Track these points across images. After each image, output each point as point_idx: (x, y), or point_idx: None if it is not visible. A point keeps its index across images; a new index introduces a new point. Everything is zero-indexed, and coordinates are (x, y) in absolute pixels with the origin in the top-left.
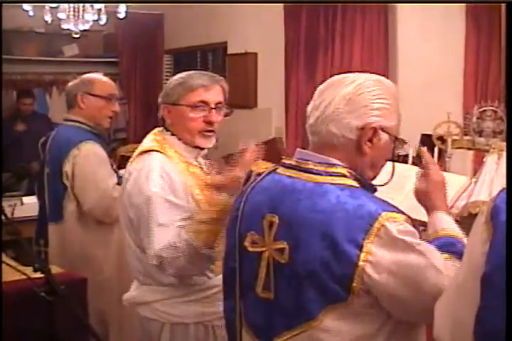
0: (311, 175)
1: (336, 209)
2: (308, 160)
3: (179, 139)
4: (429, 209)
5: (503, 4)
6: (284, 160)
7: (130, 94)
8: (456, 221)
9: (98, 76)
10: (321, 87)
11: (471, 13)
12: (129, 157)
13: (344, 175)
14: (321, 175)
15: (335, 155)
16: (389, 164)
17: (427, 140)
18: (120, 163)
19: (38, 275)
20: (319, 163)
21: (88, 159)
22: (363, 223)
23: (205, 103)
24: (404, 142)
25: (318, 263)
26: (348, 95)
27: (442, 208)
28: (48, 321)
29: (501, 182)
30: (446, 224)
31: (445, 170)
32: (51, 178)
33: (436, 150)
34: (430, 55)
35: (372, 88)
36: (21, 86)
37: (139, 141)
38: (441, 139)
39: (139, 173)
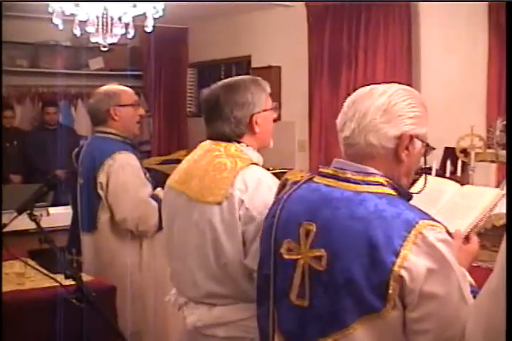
0: (349, 184)
1: (373, 216)
2: (345, 170)
3: (254, 149)
4: None
5: None
6: (320, 169)
7: (154, 107)
8: (480, 233)
9: (117, 87)
10: (351, 98)
11: (494, 26)
12: (152, 169)
13: (382, 184)
14: (359, 184)
15: (372, 165)
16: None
17: (450, 153)
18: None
19: (69, 282)
20: (357, 172)
21: (123, 169)
22: (401, 230)
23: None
24: (433, 148)
25: (356, 271)
26: (383, 105)
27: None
28: (78, 327)
29: None
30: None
31: (468, 184)
32: (85, 189)
33: (459, 163)
34: (453, 68)
35: (405, 97)
36: (47, 98)
37: (163, 154)
38: (465, 152)
39: (258, 187)
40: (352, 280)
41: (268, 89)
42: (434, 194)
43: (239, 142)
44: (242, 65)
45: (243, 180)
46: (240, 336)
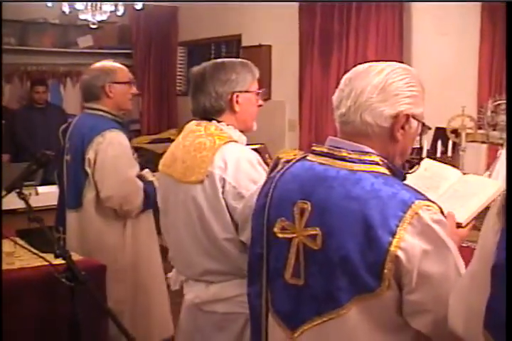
0: (345, 163)
1: (370, 196)
2: (341, 148)
3: (236, 128)
4: None
5: None
6: (314, 148)
7: (144, 86)
8: None
9: (114, 64)
10: (348, 75)
11: (486, 8)
12: (142, 148)
13: (377, 163)
14: (355, 162)
15: (367, 143)
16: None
17: (441, 133)
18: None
19: (59, 261)
20: (353, 150)
21: (112, 147)
22: (397, 210)
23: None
24: (428, 128)
25: (351, 250)
26: (380, 84)
27: None
28: (68, 306)
29: None
30: None
31: (459, 165)
32: (72, 165)
33: (450, 143)
34: (445, 49)
35: (402, 76)
36: (36, 77)
37: (153, 133)
38: (456, 133)
39: (239, 163)
40: (347, 259)
41: (256, 74)
42: (437, 179)
43: (219, 121)
44: (233, 43)
45: (222, 157)
46: (238, 311)
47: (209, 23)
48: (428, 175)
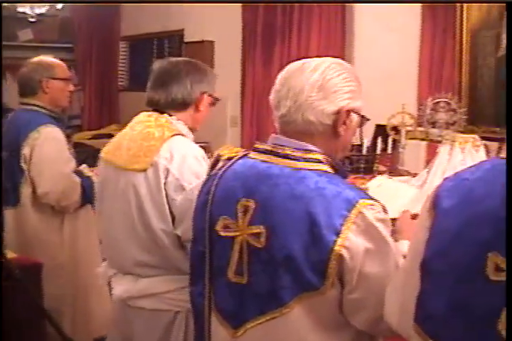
0: (289, 161)
1: (314, 194)
2: (284, 146)
3: (185, 124)
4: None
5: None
6: (257, 145)
7: (85, 81)
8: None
9: (53, 59)
10: (282, 75)
11: (427, 5)
12: (82, 144)
13: (320, 161)
14: (298, 160)
15: (310, 141)
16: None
17: (381, 130)
18: (75, 149)
19: None
20: (296, 148)
21: (48, 142)
22: (342, 209)
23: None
24: (367, 119)
25: (295, 248)
26: (318, 82)
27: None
28: (2, 305)
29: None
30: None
31: (398, 161)
32: (8, 161)
33: (390, 140)
34: (385, 45)
35: (339, 72)
36: None
37: (94, 128)
38: (396, 130)
39: (185, 157)
40: (291, 257)
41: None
42: (391, 198)
43: (171, 115)
44: (175, 39)
45: (169, 149)
46: (165, 309)
47: (151, 18)
48: (380, 192)
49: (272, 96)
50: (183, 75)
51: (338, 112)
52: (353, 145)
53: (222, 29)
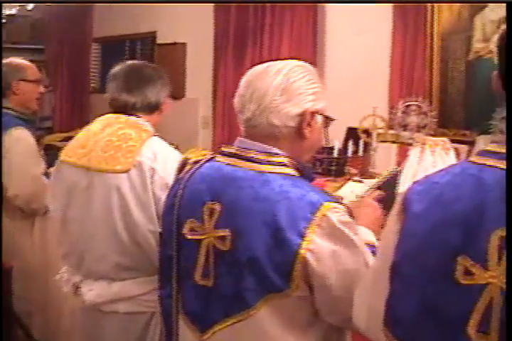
0: (253, 164)
1: (279, 197)
2: (249, 149)
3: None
4: None
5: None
6: (223, 148)
7: (56, 82)
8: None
9: (23, 61)
10: (246, 78)
11: (398, 8)
12: (53, 146)
13: (285, 165)
14: (263, 163)
15: (275, 144)
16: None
17: (352, 133)
18: (45, 151)
19: None
20: (261, 151)
21: (17, 145)
22: (306, 212)
23: None
24: (332, 119)
25: (260, 251)
26: (282, 84)
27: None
28: None
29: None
30: (365, 236)
31: (370, 164)
32: None
33: (361, 143)
34: (358, 49)
35: (302, 74)
36: None
37: (65, 130)
38: (367, 132)
39: (167, 156)
40: (256, 260)
41: None
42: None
43: (137, 117)
44: (148, 41)
45: (151, 148)
46: (140, 311)
47: (124, 19)
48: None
49: (236, 100)
50: (155, 79)
51: (302, 114)
52: (324, 148)
53: (194, 31)
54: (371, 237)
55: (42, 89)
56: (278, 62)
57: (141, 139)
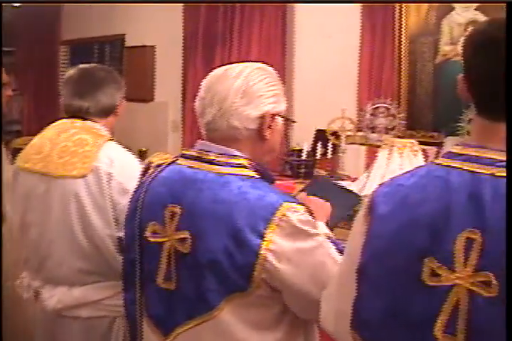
0: (213, 166)
1: (237, 199)
2: (209, 151)
3: (107, 130)
4: None
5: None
6: (184, 151)
7: (25, 85)
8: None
9: None
10: (206, 82)
11: (366, 11)
12: (21, 150)
13: (244, 166)
14: (223, 166)
15: (236, 147)
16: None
17: (321, 135)
18: (14, 155)
19: None
20: (221, 154)
21: None
22: (265, 213)
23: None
24: (292, 121)
25: (220, 253)
26: (242, 87)
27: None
28: None
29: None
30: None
31: (339, 166)
32: None
33: (330, 145)
34: (326, 52)
35: (262, 76)
36: None
37: (34, 134)
38: (335, 135)
39: (124, 161)
40: (216, 261)
41: None
42: None
43: (94, 122)
44: (117, 43)
45: (107, 153)
46: (102, 315)
47: (93, 22)
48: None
49: (196, 104)
50: (107, 82)
51: (263, 117)
52: (293, 151)
53: (163, 34)
54: (327, 230)
55: (10, 92)
56: (237, 64)
57: (97, 144)
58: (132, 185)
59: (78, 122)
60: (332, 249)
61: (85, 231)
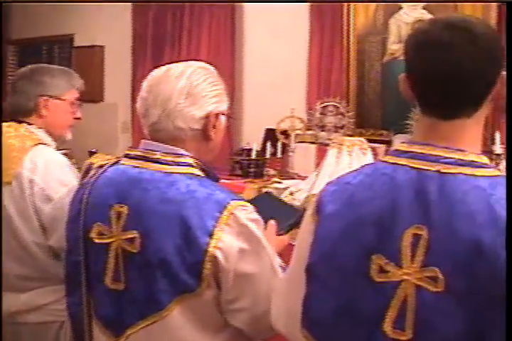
0: (159, 165)
1: (186, 197)
2: (155, 151)
3: (46, 132)
4: None
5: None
6: (127, 151)
7: None
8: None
9: None
10: (147, 82)
11: (315, 11)
12: None
13: (191, 165)
14: (169, 164)
15: (181, 146)
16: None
17: (270, 134)
18: None
19: None
20: (167, 153)
21: None
22: (213, 211)
23: (78, 100)
24: (232, 118)
25: (169, 252)
26: (185, 88)
27: None
28: None
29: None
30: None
31: (288, 165)
32: None
33: (279, 144)
34: (275, 52)
35: (204, 76)
36: None
37: None
38: (285, 134)
39: (48, 166)
40: (166, 261)
41: (76, 84)
42: None
43: (30, 124)
44: (65, 43)
45: (31, 159)
46: (51, 320)
47: (42, 21)
48: None
49: (138, 104)
50: (22, 82)
51: (207, 117)
52: (242, 150)
53: (112, 34)
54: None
55: None
56: (177, 64)
57: (23, 149)
58: (58, 191)
59: (13, 125)
60: (275, 259)
61: (16, 239)
